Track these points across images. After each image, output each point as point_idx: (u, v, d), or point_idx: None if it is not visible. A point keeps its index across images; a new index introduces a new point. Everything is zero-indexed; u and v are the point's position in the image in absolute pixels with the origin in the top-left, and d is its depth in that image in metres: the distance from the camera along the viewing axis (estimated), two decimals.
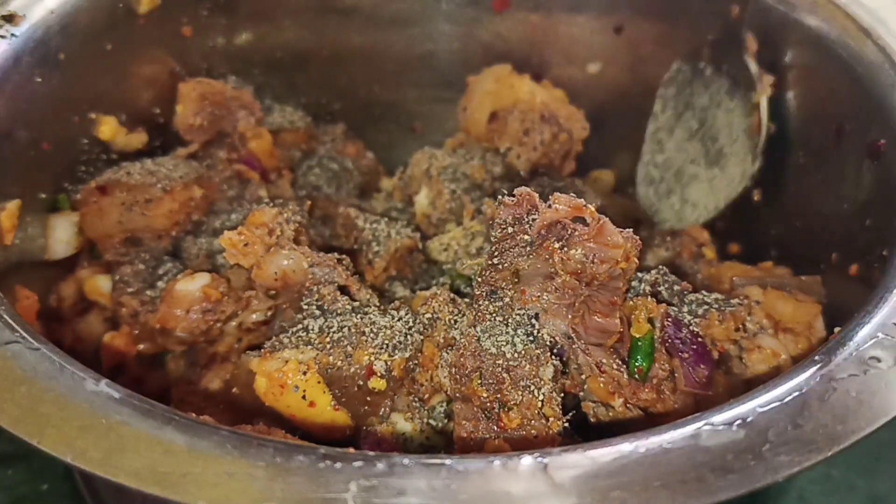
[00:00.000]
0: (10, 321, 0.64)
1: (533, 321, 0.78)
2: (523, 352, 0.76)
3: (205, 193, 0.97)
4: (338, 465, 0.55)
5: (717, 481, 0.55)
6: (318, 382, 0.78)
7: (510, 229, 0.77)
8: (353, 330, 0.80)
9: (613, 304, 0.77)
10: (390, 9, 1.13)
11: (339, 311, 0.83)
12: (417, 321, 0.83)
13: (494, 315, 0.79)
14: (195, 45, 1.06)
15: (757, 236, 1.04)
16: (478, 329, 0.79)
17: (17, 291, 0.85)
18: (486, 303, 0.79)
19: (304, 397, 0.78)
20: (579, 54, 1.13)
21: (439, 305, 0.83)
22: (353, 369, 0.78)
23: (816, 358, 0.63)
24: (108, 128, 0.98)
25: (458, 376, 0.78)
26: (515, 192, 0.77)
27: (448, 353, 0.80)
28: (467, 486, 0.54)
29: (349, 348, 0.79)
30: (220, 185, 1.01)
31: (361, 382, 0.78)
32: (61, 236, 0.93)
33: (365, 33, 1.15)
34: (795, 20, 0.94)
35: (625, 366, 0.78)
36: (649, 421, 0.76)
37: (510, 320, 0.78)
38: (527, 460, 0.56)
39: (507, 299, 0.78)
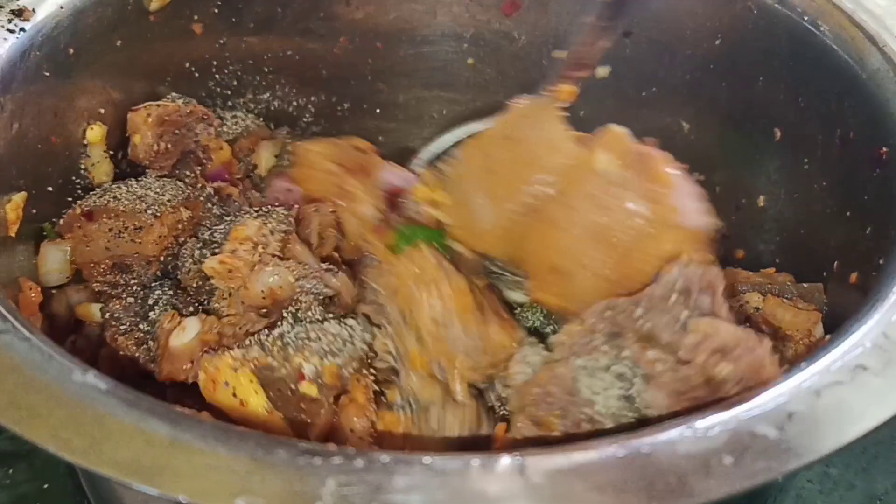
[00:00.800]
0: (2, 311, 0.65)
1: (636, 380, 0.70)
2: (614, 410, 0.71)
3: (191, 214, 0.95)
4: (317, 460, 0.55)
5: (695, 485, 0.55)
6: (251, 381, 0.77)
7: (674, 296, 0.71)
8: (302, 336, 0.81)
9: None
10: (398, 10, 1.14)
11: (309, 320, 0.83)
12: (364, 329, 0.83)
13: (602, 356, 0.72)
14: (205, 42, 1.07)
15: (761, 243, 1.03)
16: (579, 362, 0.73)
17: (21, 283, 0.86)
18: (602, 340, 0.73)
19: (234, 395, 0.77)
20: None
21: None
22: (285, 371, 0.78)
23: (802, 365, 0.63)
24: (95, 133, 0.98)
25: (538, 399, 0.74)
26: (704, 269, 0.71)
27: (533, 350, 0.79)
28: (445, 484, 0.55)
29: (290, 351, 0.79)
30: (204, 204, 0.99)
31: (293, 386, 0.78)
32: (53, 266, 0.92)
33: (373, 32, 1.16)
34: (802, 27, 0.94)
35: None
36: None
37: (613, 368, 0.71)
38: (505, 460, 0.56)
39: (625, 352, 0.71)
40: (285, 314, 0.85)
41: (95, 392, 0.59)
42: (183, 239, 0.95)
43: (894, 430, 0.98)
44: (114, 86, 0.98)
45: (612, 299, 0.75)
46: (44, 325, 0.86)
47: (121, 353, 0.87)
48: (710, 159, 1.07)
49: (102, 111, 0.98)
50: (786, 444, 0.57)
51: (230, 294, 0.88)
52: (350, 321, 0.84)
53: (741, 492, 0.55)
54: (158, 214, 0.92)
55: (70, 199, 0.95)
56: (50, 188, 0.93)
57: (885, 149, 0.83)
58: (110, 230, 0.91)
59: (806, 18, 0.93)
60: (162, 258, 0.93)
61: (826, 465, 0.98)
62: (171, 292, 0.91)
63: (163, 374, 0.85)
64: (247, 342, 0.81)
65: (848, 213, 0.89)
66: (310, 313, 0.84)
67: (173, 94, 1.05)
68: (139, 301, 0.91)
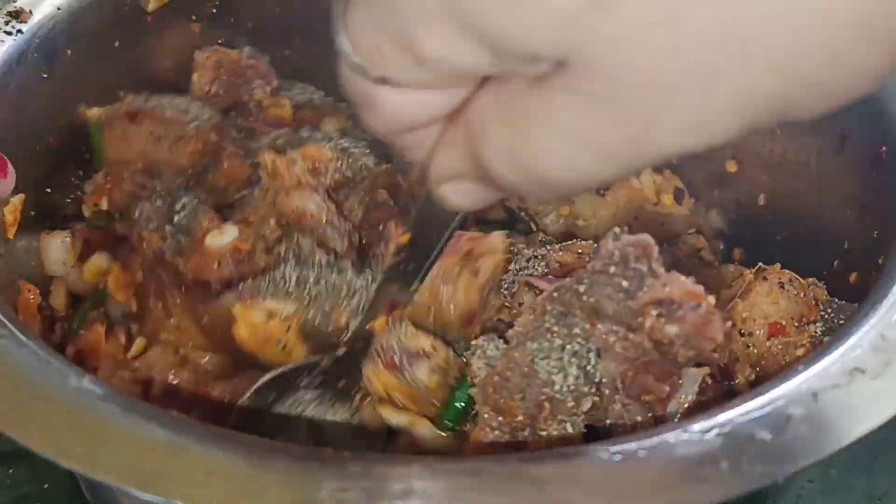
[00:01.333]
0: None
1: (591, 356, 0.73)
2: (573, 387, 0.73)
3: (218, 140, 0.97)
4: (314, 465, 0.55)
5: (690, 490, 0.55)
6: (297, 336, 0.82)
7: (612, 268, 0.72)
8: (329, 288, 0.83)
9: (670, 374, 0.73)
10: None
11: (314, 263, 0.85)
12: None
13: (555, 337, 0.74)
14: (203, 42, 1.06)
15: (762, 241, 1.03)
16: (534, 345, 0.75)
17: (20, 286, 0.86)
18: (553, 321, 0.75)
19: (284, 348, 0.82)
20: None
21: None
22: (330, 328, 0.82)
23: (799, 368, 0.63)
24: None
25: (498, 386, 0.75)
26: (636, 237, 0.73)
27: (492, 345, 0.79)
28: (442, 488, 0.55)
29: (326, 306, 0.82)
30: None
31: (335, 340, 0.82)
32: (56, 257, 0.93)
33: None
34: None
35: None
36: None
37: (568, 346, 0.74)
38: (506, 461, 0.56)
39: (576, 329, 0.74)
40: (283, 251, 0.87)
41: (92, 397, 0.59)
42: (207, 161, 0.96)
43: (894, 430, 0.98)
44: (112, 87, 0.98)
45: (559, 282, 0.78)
46: (43, 327, 0.86)
47: (144, 244, 0.89)
48: (711, 158, 1.06)
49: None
50: (783, 448, 0.57)
51: (262, 197, 0.90)
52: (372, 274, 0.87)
53: (738, 496, 0.55)
54: (199, 129, 0.95)
55: (68, 199, 0.95)
56: (48, 189, 0.93)
57: (884, 148, 0.83)
58: (150, 134, 0.94)
59: None
60: (191, 171, 0.96)
61: (826, 465, 0.98)
62: (195, 201, 0.92)
63: (190, 266, 0.87)
64: (259, 284, 0.84)
65: (848, 213, 0.89)
66: (314, 257, 0.86)
67: (247, 48, 1.07)
68: (166, 206, 0.92)
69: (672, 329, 0.70)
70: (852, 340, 0.64)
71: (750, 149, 1.04)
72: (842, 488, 0.97)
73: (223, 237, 0.87)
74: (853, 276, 0.85)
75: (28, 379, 0.60)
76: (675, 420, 0.73)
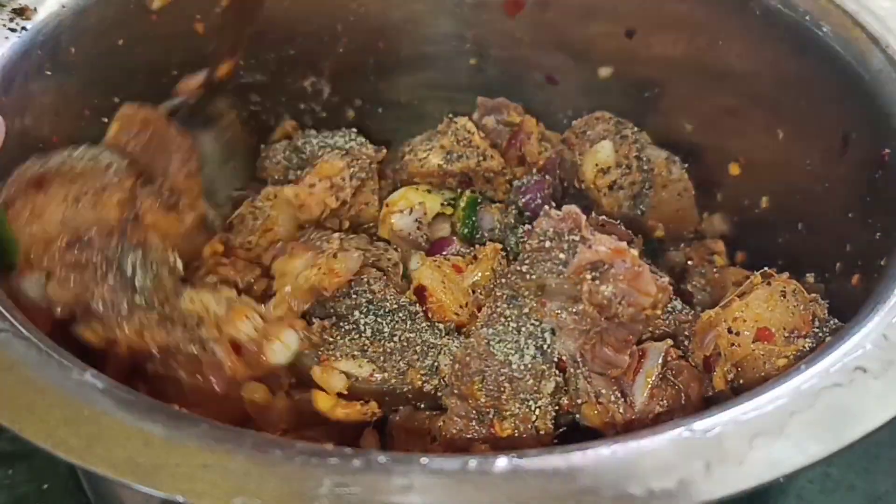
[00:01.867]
0: (1, 310, 0.65)
1: (546, 335, 0.78)
2: (530, 365, 0.77)
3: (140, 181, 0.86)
4: (313, 460, 0.55)
5: (694, 487, 0.54)
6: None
7: (548, 243, 0.76)
8: (405, 343, 0.83)
9: (627, 342, 0.76)
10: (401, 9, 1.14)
11: (387, 310, 0.85)
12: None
13: (509, 320, 0.78)
14: (207, 42, 1.06)
15: (764, 244, 1.03)
16: (489, 331, 0.79)
17: None
18: (504, 306, 0.79)
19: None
20: (591, 58, 1.13)
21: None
22: (405, 388, 0.83)
23: (801, 367, 0.63)
24: None
25: (459, 374, 0.78)
26: (563, 209, 0.77)
27: (455, 342, 0.81)
28: (442, 485, 0.55)
29: (402, 364, 0.83)
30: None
31: (411, 397, 0.83)
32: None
33: (376, 34, 1.16)
34: (804, 27, 0.93)
35: (622, 399, 0.77)
36: None
37: (523, 328, 0.78)
38: (502, 461, 0.56)
39: (526, 309, 0.78)
40: (354, 295, 0.86)
41: (93, 391, 0.59)
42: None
43: (894, 430, 0.98)
44: (116, 85, 0.98)
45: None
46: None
47: (151, 348, 0.79)
48: (714, 161, 1.06)
49: (104, 110, 0.97)
50: (786, 447, 0.56)
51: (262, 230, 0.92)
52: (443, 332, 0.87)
53: (741, 494, 0.55)
54: (119, 172, 0.83)
55: None
56: None
57: (887, 150, 0.83)
58: (66, 196, 0.78)
59: (808, 20, 0.93)
60: (119, 223, 0.82)
61: (827, 465, 0.97)
62: (139, 253, 0.82)
63: (231, 368, 0.81)
64: (336, 338, 0.84)
65: (850, 215, 0.88)
66: (386, 303, 0.86)
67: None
68: (117, 274, 0.80)
69: (607, 289, 0.73)
70: (855, 340, 0.64)
71: (753, 152, 1.04)
72: (842, 488, 0.97)
73: (288, 351, 0.83)
74: (856, 279, 0.85)
75: (29, 372, 0.60)
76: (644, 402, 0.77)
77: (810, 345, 0.78)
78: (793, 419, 0.58)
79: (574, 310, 0.75)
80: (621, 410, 0.76)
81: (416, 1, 1.14)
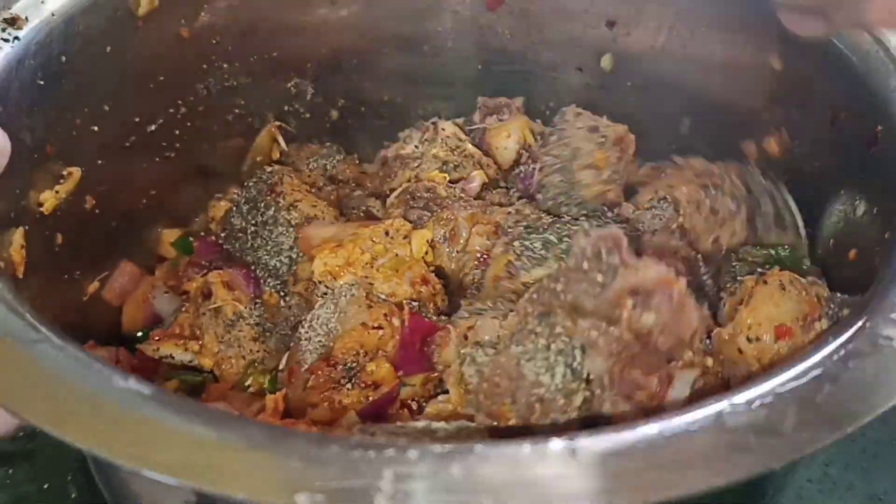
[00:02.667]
0: (35, 322, 0.65)
1: (576, 352, 0.74)
2: (560, 385, 0.74)
3: None
4: (371, 453, 0.55)
5: (742, 460, 0.56)
6: None
7: (586, 264, 0.74)
8: None
9: (658, 367, 0.75)
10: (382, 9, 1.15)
11: None
12: None
13: (539, 337, 0.75)
14: (193, 46, 1.06)
15: None
16: (519, 349, 0.76)
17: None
18: (535, 322, 0.76)
19: None
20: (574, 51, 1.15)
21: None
22: None
23: (830, 338, 0.64)
24: None
25: (488, 392, 0.77)
26: (607, 231, 0.76)
27: (480, 352, 0.81)
28: (498, 470, 0.55)
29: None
30: None
31: None
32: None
33: (363, 34, 1.16)
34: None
35: None
36: None
37: (553, 346, 0.75)
38: (556, 444, 0.56)
39: (558, 328, 0.75)
40: None
41: (138, 397, 0.59)
42: None
43: (894, 429, 1.01)
44: (106, 93, 0.97)
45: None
46: None
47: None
48: (707, 147, 1.09)
49: (96, 119, 0.96)
50: (825, 415, 0.58)
51: None
52: None
53: (786, 465, 0.57)
54: None
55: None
56: None
57: (879, 128, 0.85)
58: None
59: None
60: None
61: (826, 464, 1.00)
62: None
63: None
64: None
65: (842, 192, 0.91)
66: None
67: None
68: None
69: (649, 318, 0.72)
70: (881, 308, 0.66)
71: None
72: (841, 488, 0.99)
73: None
74: (852, 253, 0.87)
75: (70, 382, 0.60)
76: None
77: (827, 324, 0.79)
78: (827, 388, 0.60)
79: (608, 331, 0.73)
80: None
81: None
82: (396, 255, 0.93)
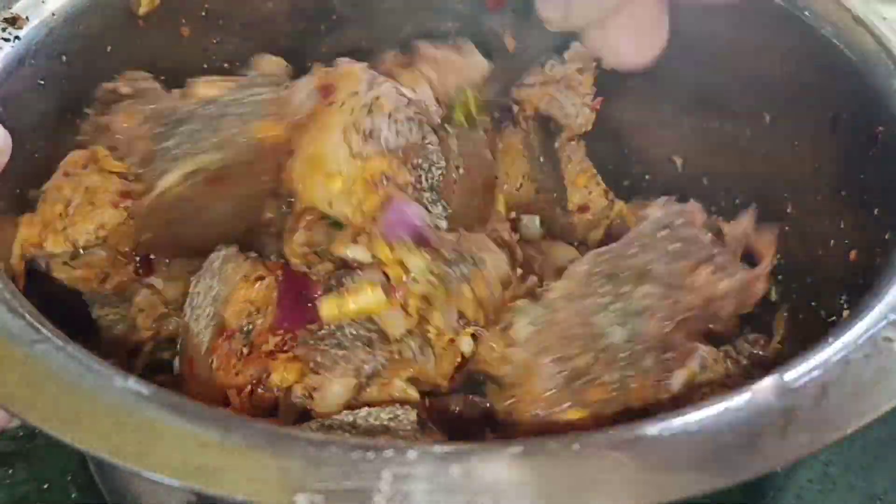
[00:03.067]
0: (35, 322, 0.65)
1: (634, 315, 0.78)
2: (622, 343, 0.77)
3: None
4: (370, 454, 0.56)
5: (743, 461, 0.56)
6: None
7: (661, 232, 0.79)
8: None
9: (700, 334, 0.78)
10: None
11: None
12: None
13: (602, 297, 0.79)
14: (194, 46, 1.06)
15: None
16: (586, 302, 0.79)
17: None
18: (601, 282, 0.79)
19: None
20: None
21: None
22: None
23: (830, 339, 0.64)
24: None
25: (558, 338, 0.78)
26: (687, 205, 0.81)
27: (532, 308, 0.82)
28: (497, 471, 0.55)
29: None
30: None
31: None
32: None
33: (360, 34, 1.16)
34: (791, 11, 0.95)
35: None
36: None
37: (613, 306, 0.78)
38: (552, 444, 0.56)
39: (623, 289, 0.78)
40: None
41: (139, 398, 0.59)
42: None
43: (894, 429, 1.01)
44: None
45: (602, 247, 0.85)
46: None
47: None
48: (702, 145, 1.09)
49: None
50: (827, 416, 0.58)
51: None
52: None
53: (787, 466, 0.57)
54: None
55: None
56: None
57: (879, 128, 0.85)
58: None
59: (795, 2, 0.95)
60: None
61: (826, 464, 1.00)
62: None
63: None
64: None
65: (843, 193, 0.91)
66: None
67: None
68: None
69: (724, 285, 0.77)
70: (877, 312, 0.66)
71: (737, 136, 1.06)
72: (841, 487, 0.99)
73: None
74: (853, 254, 0.87)
75: (71, 382, 0.60)
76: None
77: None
78: (828, 389, 0.60)
79: (671, 297, 0.76)
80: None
81: None
82: (86, 188, 0.89)
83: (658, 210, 0.80)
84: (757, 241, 0.89)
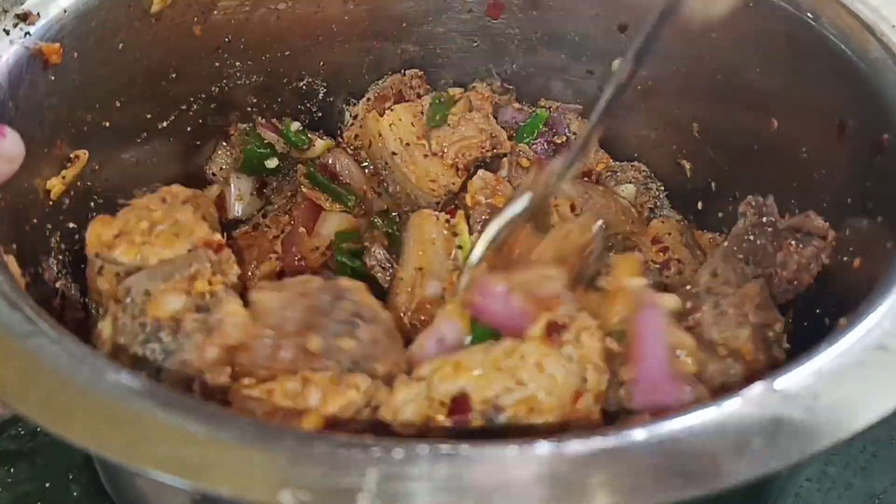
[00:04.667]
0: (30, 314, 0.65)
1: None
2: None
3: None
4: (356, 452, 0.56)
5: (730, 467, 0.56)
6: None
7: (758, 241, 0.91)
8: None
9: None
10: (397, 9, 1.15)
11: None
12: None
13: (721, 298, 0.85)
14: (205, 44, 1.07)
15: None
16: (712, 301, 0.85)
17: None
18: (720, 281, 0.88)
19: None
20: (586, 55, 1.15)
21: None
22: None
23: (825, 346, 0.64)
24: None
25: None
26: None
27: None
28: (483, 472, 0.56)
29: None
30: None
31: None
32: None
33: (368, 36, 1.17)
34: (800, 18, 0.95)
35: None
36: None
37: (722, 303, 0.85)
38: (542, 447, 0.57)
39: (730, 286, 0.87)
40: None
41: (130, 392, 0.60)
42: None
43: (892, 429, 1.01)
44: (117, 89, 0.98)
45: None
46: None
47: None
48: (712, 149, 1.08)
49: (106, 115, 0.98)
50: (818, 423, 0.58)
51: None
52: None
53: (773, 473, 0.56)
54: None
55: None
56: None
57: (886, 135, 0.85)
58: None
59: (803, 9, 0.95)
60: None
61: (825, 463, 1.00)
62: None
63: None
64: None
65: (849, 200, 0.90)
66: None
67: None
68: None
69: (814, 267, 0.88)
70: (872, 320, 0.66)
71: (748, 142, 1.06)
72: (840, 487, 0.99)
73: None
74: (857, 262, 0.86)
75: (63, 375, 0.61)
76: None
77: None
78: (821, 396, 0.60)
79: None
80: None
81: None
82: (177, 220, 0.87)
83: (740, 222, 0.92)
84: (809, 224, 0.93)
